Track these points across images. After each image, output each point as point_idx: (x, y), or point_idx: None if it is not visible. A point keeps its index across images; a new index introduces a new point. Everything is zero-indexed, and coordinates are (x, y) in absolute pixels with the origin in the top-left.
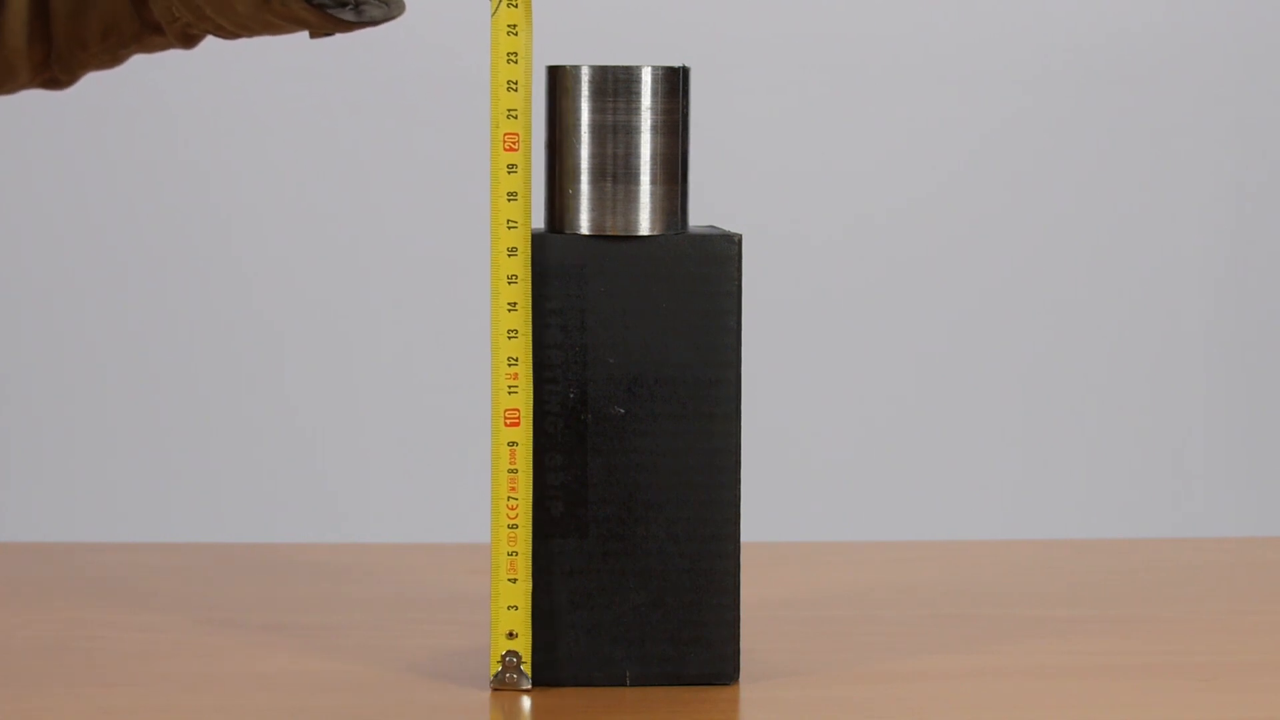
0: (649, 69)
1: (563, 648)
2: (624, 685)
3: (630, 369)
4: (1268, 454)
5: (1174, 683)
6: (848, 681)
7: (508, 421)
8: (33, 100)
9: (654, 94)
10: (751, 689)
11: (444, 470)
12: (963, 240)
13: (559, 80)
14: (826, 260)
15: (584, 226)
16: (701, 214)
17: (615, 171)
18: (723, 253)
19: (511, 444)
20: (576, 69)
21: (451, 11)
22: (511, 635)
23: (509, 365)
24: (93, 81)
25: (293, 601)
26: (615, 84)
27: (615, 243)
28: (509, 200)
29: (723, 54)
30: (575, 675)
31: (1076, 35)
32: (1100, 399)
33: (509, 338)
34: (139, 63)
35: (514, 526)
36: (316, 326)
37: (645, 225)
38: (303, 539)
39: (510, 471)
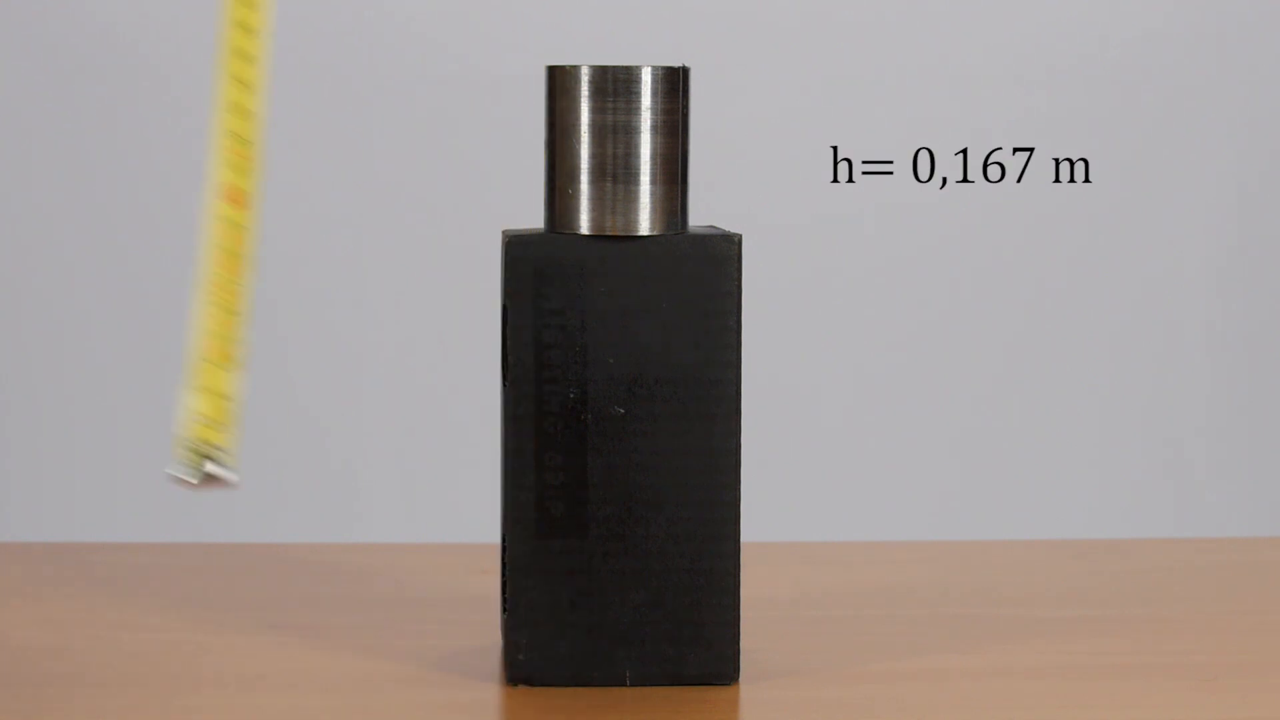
0: (649, 69)
1: (563, 647)
2: (624, 685)
3: (630, 369)
4: (1269, 453)
5: (1174, 683)
6: (848, 681)
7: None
8: (37, 96)
9: (654, 94)
10: (751, 689)
11: (444, 472)
12: (964, 239)
13: (558, 80)
14: (827, 260)
15: (584, 227)
16: (701, 214)
17: (615, 172)
18: (722, 253)
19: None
20: (576, 69)
21: (461, 11)
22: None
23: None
24: (101, 79)
25: (293, 601)
26: (615, 84)
27: (615, 243)
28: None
29: (723, 54)
30: (575, 675)
31: (1085, 36)
32: (1100, 399)
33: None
34: (147, 61)
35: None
36: (315, 326)
37: (645, 225)
38: (302, 540)
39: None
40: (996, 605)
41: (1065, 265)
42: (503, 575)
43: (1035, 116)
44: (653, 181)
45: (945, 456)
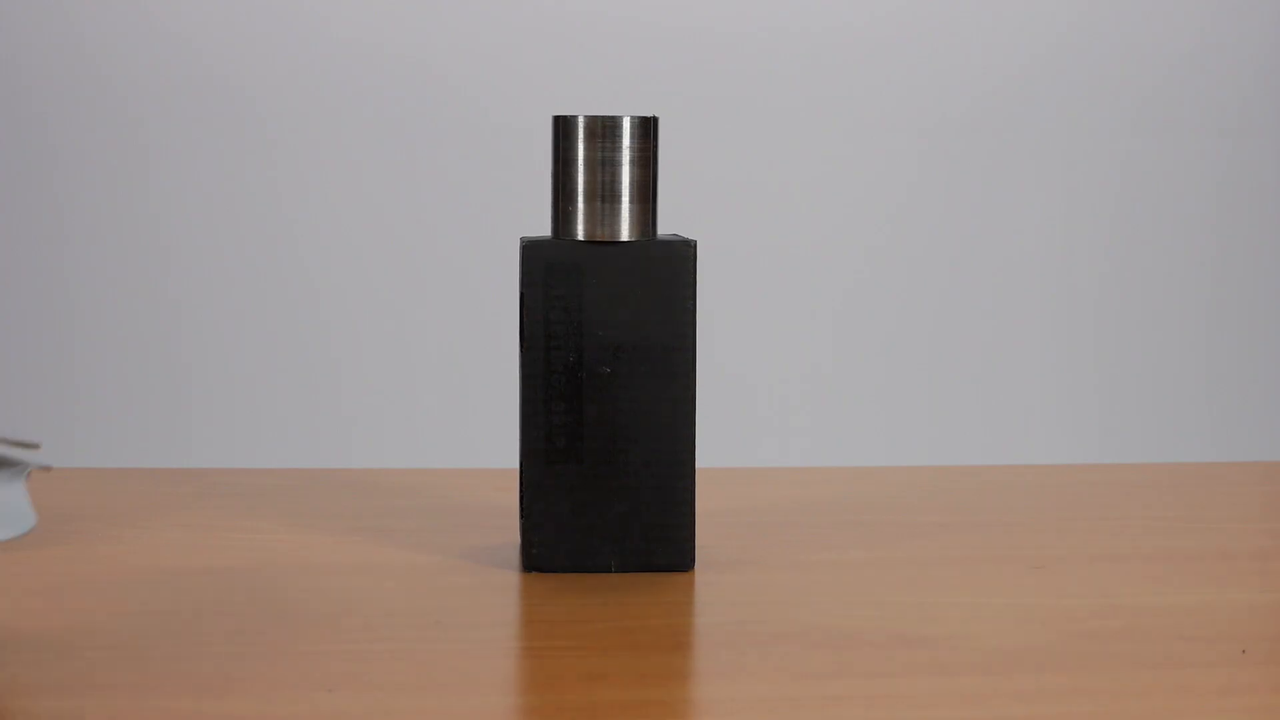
0: (628, 118)
1: (564, 544)
2: (610, 572)
3: (615, 339)
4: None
5: (1011, 569)
6: (777, 569)
7: None
8: (98, 97)
9: (632, 136)
10: (704, 574)
11: (477, 414)
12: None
13: (561, 126)
14: (762, 260)
15: (580, 234)
16: (667, 225)
17: (603, 194)
18: (681, 254)
19: None
20: (575, 117)
21: (497, 82)
22: None
23: None
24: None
25: (367, 511)
26: (603, 129)
27: (603, 246)
28: None
29: (684, 105)
30: (574, 564)
31: (1051, 37)
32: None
33: None
34: (177, 75)
35: None
36: (385, 313)
37: (625, 233)
38: (374, 466)
39: None
40: (892, 515)
41: (1068, 262)
42: (521, 491)
43: (1004, 116)
44: (631, 201)
45: (853, 403)
